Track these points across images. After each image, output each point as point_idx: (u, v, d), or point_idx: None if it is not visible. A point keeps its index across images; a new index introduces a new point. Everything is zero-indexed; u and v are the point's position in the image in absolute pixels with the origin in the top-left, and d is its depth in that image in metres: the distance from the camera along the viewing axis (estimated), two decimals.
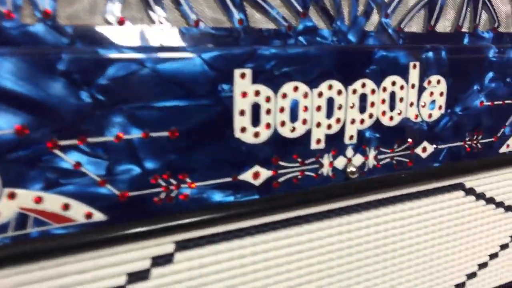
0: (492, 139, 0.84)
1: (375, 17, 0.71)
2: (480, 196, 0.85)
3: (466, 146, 0.81)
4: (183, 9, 0.58)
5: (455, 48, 0.77)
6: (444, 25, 0.78)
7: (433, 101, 0.75)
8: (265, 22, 0.63)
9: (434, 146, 0.77)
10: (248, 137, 0.61)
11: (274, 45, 0.63)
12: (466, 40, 0.80)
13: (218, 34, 0.59)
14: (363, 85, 0.68)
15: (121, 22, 0.54)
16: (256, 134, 0.61)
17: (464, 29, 0.80)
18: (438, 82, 0.75)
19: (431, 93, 0.75)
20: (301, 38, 0.65)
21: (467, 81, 0.78)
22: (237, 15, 0.60)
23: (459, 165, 0.81)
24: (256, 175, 0.62)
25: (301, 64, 0.63)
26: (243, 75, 0.59)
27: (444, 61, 0.75)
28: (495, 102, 0.83)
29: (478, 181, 0.85)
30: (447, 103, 0.77)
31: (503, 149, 0.86)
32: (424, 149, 0.77)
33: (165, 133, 0.55)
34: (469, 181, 0.84)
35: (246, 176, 0.62)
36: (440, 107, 0.76)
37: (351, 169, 0.69)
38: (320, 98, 0.65)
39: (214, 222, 0.60)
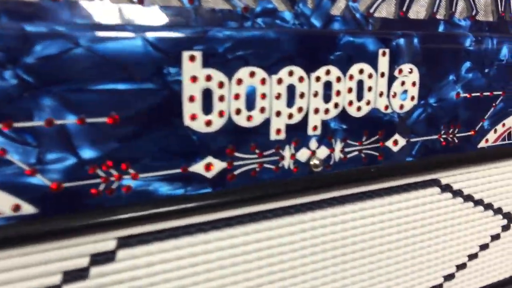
0: (470, 133, 0.80)
1: (342, 1, 0.67)
2: (457, 193, 0.81)
3: (442, 140, 0.77)
4: None
5: (429, 35, 0.72)
6: (417, 11, 0.74)
7: (405, 91, 0.71)
8: (219, 3, 0.59)
9: (407, 139, 0.73)
10: (199, 126, 0.56)
11: (228, 26, 0.58)
12: (441, 28, 0.76)
13: (165, 13, 0.55)
14: (328, 72, 0.64)
15: None
16: (208, 123, 0.57)
17: (439, 16, 0.76)
18: (410, 71, 0.71)
19: (403, 83, 0.70)
20: (259, 21, 0.61)
21: (442, 71, 0.74)
22: None
23: (434, 160, 0.77)
24: (208, 166, 0.58)
25: (258, 48, 0.58)
26: (192, 58, 0.54)
27: (417, 49, 0.71)
28: (473, 94, 0.79)
29: (455, 177, 0.80)
30: (420, 94, 0.72)
31: (482, 144, 0.82)
32: (396, 142, 0.72)
33: (103, 119, 0.51)
34: (445, 177, 0.79)
35: (198, 167, 0.57)
36: (412, 98, 0.72)
37: (315, 161, 0.65)
38: (280, 85, 0.61)
39: (161, 217, 0.56)
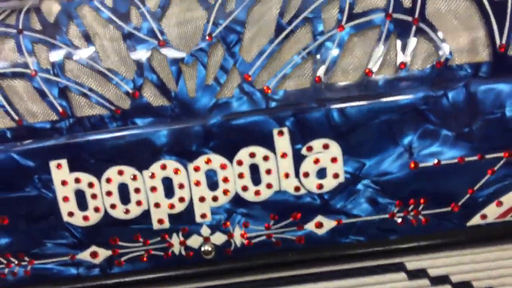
0: (447, 209, 0.63)
1: (234, 81, 0.63)
2: (442, 280, 0.65)
3: (397, 219, 0.63)
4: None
5: (352, 101, 0.61)
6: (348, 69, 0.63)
7: (322, 170, 0.62)
8: (90, 108, 0.65)
9: (336, 220, 0.64)
10: (77, 221, 0.65)
11: (95, 131, 0.64)
12: (380, 88, 0.62)
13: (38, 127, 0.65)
14: (208, 161, 0.62)
15: None
16: (86, 218, 0.64)
17: (378, 76, 0.62)
18: (326, 146, 0.61)
19: (316, 161, 0.62)
20: (136, 120, 0.64)
21: (380, 142, 0.61)
22: (59, 107, 0.64)
23: (384, 242, 0.64)
24: (94, 254, 0.66)
25: (124, 148, 0.62)
26: (59, 166, 0.63)
27: (333, 121, 0.61)
28: (444, 162, 0.62)
29: (432, 262, 0.65)
30: (347, 170, 0.62)
31: (475, 221, 0.63)
32: (320, 225, 0.64)
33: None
34: (414, 261, 0.65)
35: (84, 255, 0.66)
36: (336, 175, 0.62)
37: (206, 248, 0.65)
38: (154, 179, 0.63)
39: None
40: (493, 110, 0.60)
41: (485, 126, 0.60)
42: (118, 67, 0.64)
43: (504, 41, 0.60)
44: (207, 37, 0.63)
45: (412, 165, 0.62)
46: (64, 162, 0.63)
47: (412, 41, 0.61)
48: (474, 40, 0.61)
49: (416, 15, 0.61)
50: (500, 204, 0.63)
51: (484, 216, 0.63)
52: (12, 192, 0.64)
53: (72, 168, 0.63)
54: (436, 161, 0.62)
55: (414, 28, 0.61)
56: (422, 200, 0.63)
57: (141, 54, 0.63)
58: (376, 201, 0.63)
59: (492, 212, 0.63)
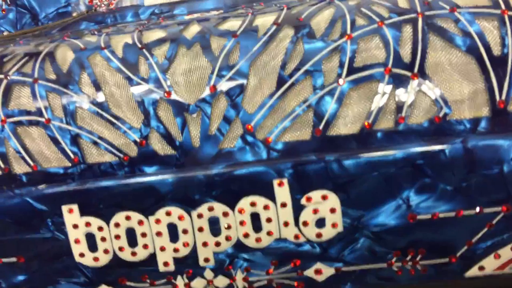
0: (446, 260, 0.64)
1: (237, 131, 0.65)
2: None
3: (395, 268, 0.65)
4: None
5: (347, 155, 0.62)
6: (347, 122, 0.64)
7: (321, 219, 0.64)
8: (100, 155, 0.68)
9: (335, 267, 0.65)
10: (88, 261, 0.68)
11: (104, 178, 0.67)
12: (378, 141, 0.62)
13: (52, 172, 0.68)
14: (211, 209, 0.65)
15: None
16: (96, 259, 0.68)
17: (377, 127, 0.62)
18: (325, 197, 0.63)
19: (315, 211, 0.63)
20: (143, 167, 0.66)
21: (379, 195, 0.62)
22: (71, 153, 0.67)
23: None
24: None
25: (130, 195, 0.65)
26: (70, 210, 0.66)
27: (332, 172, 0.62)
28: (443, 215, 0.62)
29: None
30: (346, 220, 0.63)
31: (472, 272, 0.64)
32: (318, 271, 0.66)
33: (13, 259, 0.69)
34: None
35: None
36: (334, 225, 0.64)
37: None
38: (159, 224, 0.66)
39: None
40: (491, 166, 0.60)
41: (483, 181, 0.61)
42: (126, 116, 0.66)
43: (503, 97, 0.60)
44: (211, 88, 0.65)
45: (410, 217, 0.63)
46: (75, 207, 0.66)
47: (411, 95, 0.62)
48: (473, 95, 0.61)
49: (416, 69, 0.61)
50: (498, 256, 0.63)
51: (482, 268, 0.64)
52: (27, 234, 0.68)
53: (83, 213, 0.66)
54: (433, 213, 0.62)
55: (413, 82, 0.62)
56: (420, 251, 0.64)
57: (148, 104, 0.66)
58: (374, 250, 0.64)
59: (490, 264, 0.64)
